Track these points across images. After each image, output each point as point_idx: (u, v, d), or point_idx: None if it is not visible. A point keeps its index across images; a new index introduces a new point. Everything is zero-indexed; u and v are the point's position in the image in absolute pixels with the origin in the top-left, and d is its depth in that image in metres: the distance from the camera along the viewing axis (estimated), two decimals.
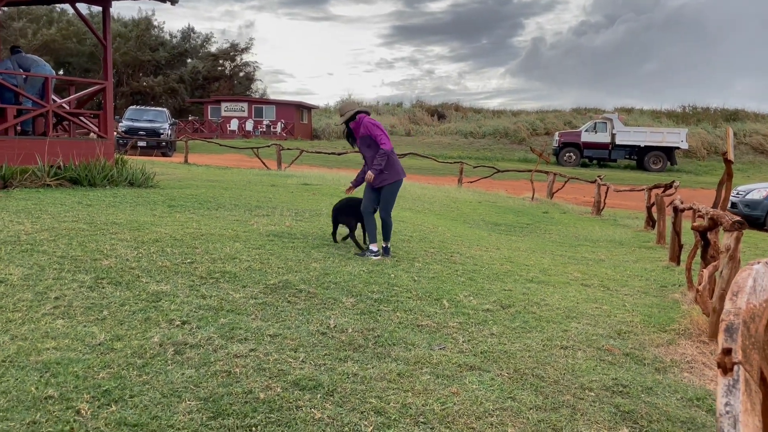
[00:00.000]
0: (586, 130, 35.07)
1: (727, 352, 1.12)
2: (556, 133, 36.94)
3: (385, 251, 6.16)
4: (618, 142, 34.36)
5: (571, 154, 34.79)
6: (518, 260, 6.87)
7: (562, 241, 9.53)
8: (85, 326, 3.55)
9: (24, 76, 10.29)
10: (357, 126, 6.13)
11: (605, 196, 14.88)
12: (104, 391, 2.80)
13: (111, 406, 2.67)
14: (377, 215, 6.25)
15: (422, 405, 2.96)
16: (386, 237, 6.24)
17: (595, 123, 35.39)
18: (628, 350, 4.04)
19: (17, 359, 3.05)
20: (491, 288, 5.30)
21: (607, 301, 5.32)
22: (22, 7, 40.46)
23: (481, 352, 3.73)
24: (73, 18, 45.50)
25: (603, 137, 34.59)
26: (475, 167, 20.70)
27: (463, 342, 3.89)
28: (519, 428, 2.84)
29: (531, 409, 3.04)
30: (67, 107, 10.88)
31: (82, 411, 2.61)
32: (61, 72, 41.74)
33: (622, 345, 4.14)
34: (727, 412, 1.06)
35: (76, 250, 5.08)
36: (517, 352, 3.79)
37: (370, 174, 6.04)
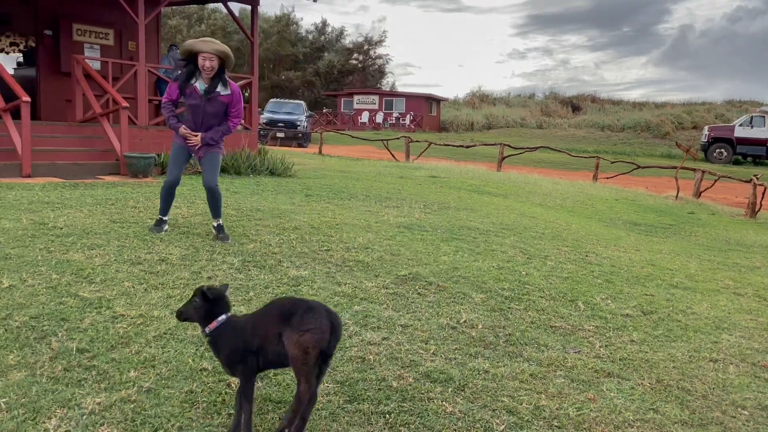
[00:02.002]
0: (740, 125, 32.11)
1: None
2: (706, 128, 34.13)
3: (219, 230, 5.33)
4: None
5: (723, 150, 32.02)
6: (660, 263, 6.46)
7: (710, 244, 8.81)
8: (233, 306, 3.82)
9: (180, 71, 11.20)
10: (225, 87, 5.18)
11: (762, 197, 13.54)
12: None
13: (256, 383, 2.86)
14: (206, 188, 5.36)
15: (556, 408, 2.89)
16: (217, 212, 5.39)
17: (752, 117, 32.29)
18: None
19: (177, 333, 3.35)
20: (631, 292, 5.03)
21: (764, 313, 4.86)
22: (177, 6, 44.06)
23: (619, 359, 3.56)
24: (222, 15, 48.81)
25: (760, 132, 31.46)
26: (612, 162, 19.64)
27: (599, 347, 3.73)
28: None
29: (676, 423, 2.86)
30: None
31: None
32: None
33: None
34: None
35: None
36: (660, 362, 3.57)
37: (200, 139, 5.19)
